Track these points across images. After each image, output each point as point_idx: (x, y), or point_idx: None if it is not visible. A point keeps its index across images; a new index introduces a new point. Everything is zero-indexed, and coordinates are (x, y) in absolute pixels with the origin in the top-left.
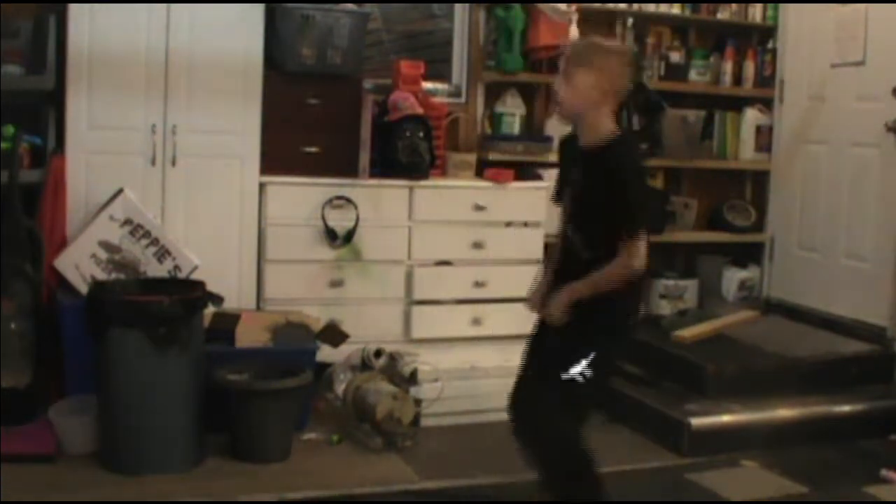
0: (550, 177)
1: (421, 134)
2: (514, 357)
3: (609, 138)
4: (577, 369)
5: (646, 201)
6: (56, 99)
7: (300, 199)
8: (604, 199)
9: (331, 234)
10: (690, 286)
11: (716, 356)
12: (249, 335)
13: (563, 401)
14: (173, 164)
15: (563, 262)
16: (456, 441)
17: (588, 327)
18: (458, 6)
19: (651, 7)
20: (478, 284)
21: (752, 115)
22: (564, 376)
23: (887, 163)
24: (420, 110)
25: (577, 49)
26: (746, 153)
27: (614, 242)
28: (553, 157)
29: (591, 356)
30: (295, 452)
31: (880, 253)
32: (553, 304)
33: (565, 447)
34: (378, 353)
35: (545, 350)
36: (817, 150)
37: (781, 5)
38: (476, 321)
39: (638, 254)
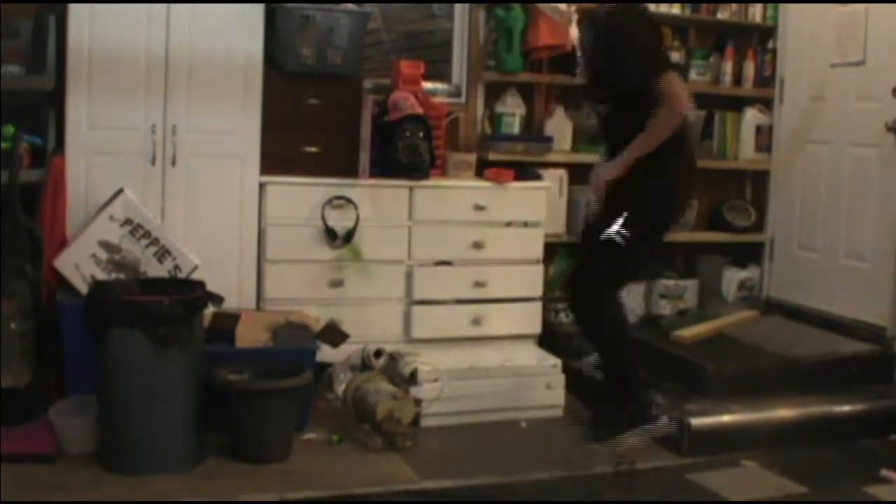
0: (550, 177)
1: (421, 134)
2: (514, 357)
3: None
4: (614, 228)
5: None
6: (56, 99)
7: (300, 199)
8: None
9: (331, 234)
10: (690, 286)
11: (716, 356)
12: (249, 335)
13: (606, 266)
14: (173, 164)
15: (612, 148)
16: (456, 441)
17: (623, 193)
18: (458, 6)
19: (651, 7)
20: (478, 284)
21: (752, 115)
22: (603, 237)
23: (887, 163)
24: (420, 110)
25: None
26: (746, 153)
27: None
28: (553, 157)
29: (625, 215)
30: (295, 452)
31: (880, 253)
32: (609, 166)
33: (612, 321)
34: (378, 353)
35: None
36: (817, 150)
37: (781, 5)
38: (476, 321)
39: (676, 92)
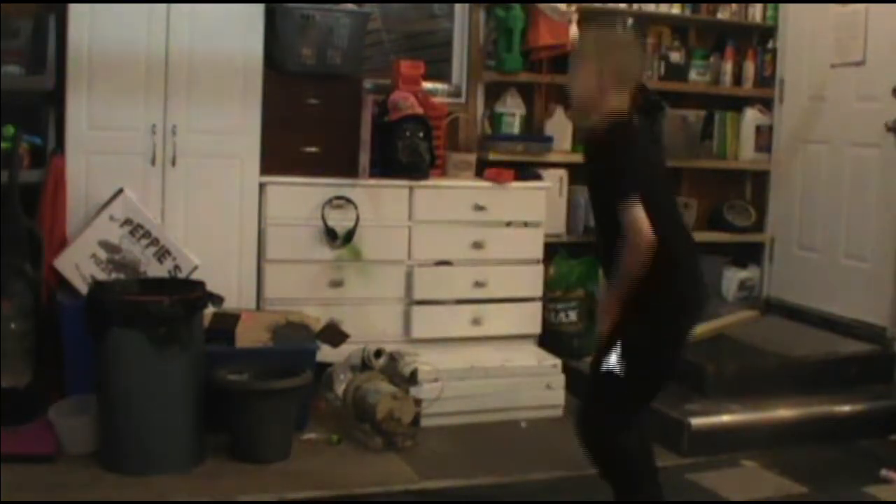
0: (550, 177)
1: (421, 134)
2: (514, 357)
3: (611, 122)
4: (612, 361)
5: (635, 167)
6: (56, 99)
7: (300, 199)
8: (606, 183)
9: (331, 234)
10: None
11: (716, 356)
12: (249, 335)
13: (609, 400)
14: (173, 164)
15: (605, 263)
16: (456, 441)
17: (618, 321)
18: (458, 6)
19: (651, 7)
20: (478, 284)
21: (752, 115)
22: (602, 370)
23: (887, 163)
24: (420, 110)
25: (581, 43)
26: (746, 153)
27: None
28: (553, 157)
29: (620, 346)
30: (295, 452)
31: (880, 253)
32: (604, 304)
33: (620, 455)
34: (378, 353)
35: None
36: (817, 150)
37: (781, 5)
38: (476, 321)
39: (636, 226)
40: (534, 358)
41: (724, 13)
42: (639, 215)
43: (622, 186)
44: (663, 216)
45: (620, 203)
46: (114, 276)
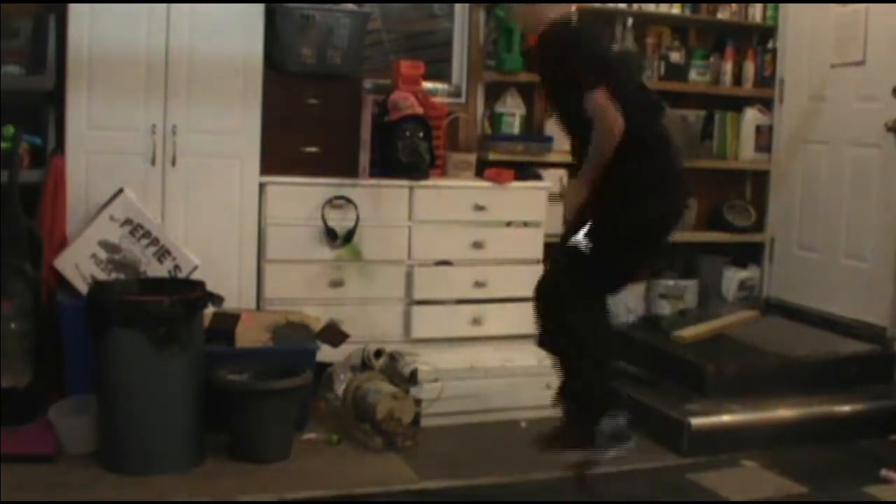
0: (550, 177)
1: (421, 134)
2: (514, 357)
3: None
4: (579, 237)
5: (590, 64)
6: (56, 99)
7: (300, 199)
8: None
9: (331, 234)
10: (690, 286)
11: (716, 356)
12: (249, 335)
13: (572, 276)
14: (173, 164)
15: (577, 166)
16: (456, 441)
17: (587, 201)
18: (458, 6)
19: (651, 7)
20: (478, 284)
21: (752, 115)
22: (568, 244)
23: (887, 163)
24: (420, 110)
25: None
26: (746, 153)
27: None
28: (553, 157)
29: (588, 226)
30: (295, 452)
31: (880, 253)
32: (570, 189)
33: (574, 335)
34: (378, 353)
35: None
36: (817, 150)
37: (781, 5)
38: (476, 321)
39: (601, 111)
40: (534, 358)
41: (724, 13)
42: (603, 101)
43: (584, 82)
44: (635, 112)
45: (585, 96)
46: (114, 276)
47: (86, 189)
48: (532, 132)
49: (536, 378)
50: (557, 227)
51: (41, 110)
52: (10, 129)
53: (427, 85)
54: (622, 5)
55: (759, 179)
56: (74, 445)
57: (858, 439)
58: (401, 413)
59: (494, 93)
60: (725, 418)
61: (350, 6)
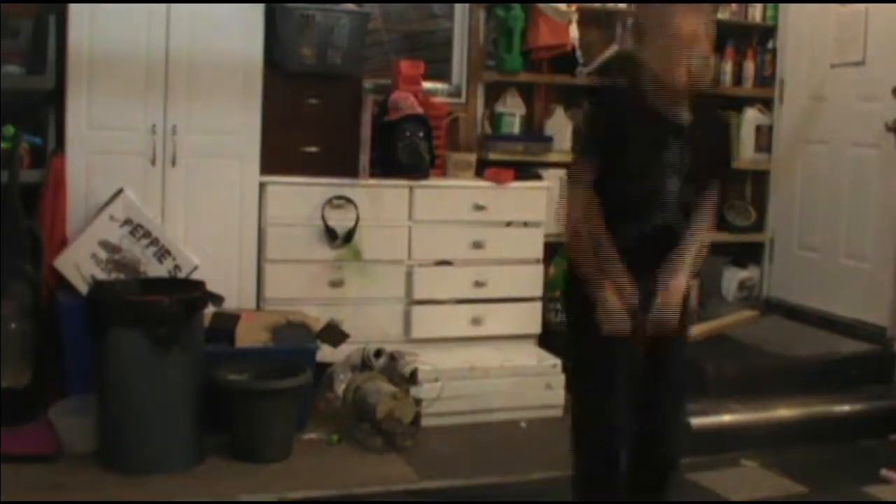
0: (550, 177)
1: (421, 134)
2: (514, 357)
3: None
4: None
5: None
6: (56, 99)
7: (300, 199)
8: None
9: (331, 234)
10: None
11: (716, 356)
12: (249, 335)
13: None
14: (173, 164)
15: (647, 247)
16: (456, 441)
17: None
18: (458, 6)
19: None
20: (478, 284)
21: (752, 115)
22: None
23: (887, 163)
24: (420, 110)
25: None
26: (746, 153)
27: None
28: (553, 157)
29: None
30: (295, 452)
31: (880, 253)
32: (665, 305)
33: (576, 444)
34: (378, 353)
35: None
36: (817, 150)
37: (781, 5)
38: (476, 321)
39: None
40: (534, 358)
41: (724, 13)
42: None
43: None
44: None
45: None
46: (114, 276)
47: (86, 189)
48: (532, 132)
49: (536, 378)
50: (558, 227)
51: (41, 110)
52: (10, 129)
53: (427, 85)
54: (622, 5)
55: (759, 179)
56: (74, 445)
57: (858, 439)
58: (401, 413)
59: (494, 93)
60: (725, 418)
61: (350, 6)
